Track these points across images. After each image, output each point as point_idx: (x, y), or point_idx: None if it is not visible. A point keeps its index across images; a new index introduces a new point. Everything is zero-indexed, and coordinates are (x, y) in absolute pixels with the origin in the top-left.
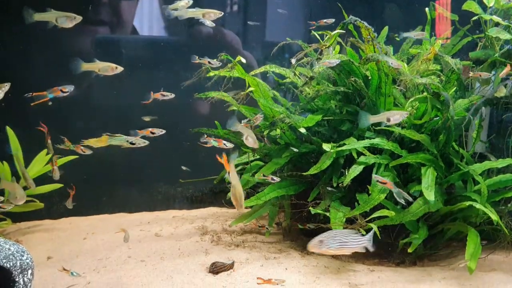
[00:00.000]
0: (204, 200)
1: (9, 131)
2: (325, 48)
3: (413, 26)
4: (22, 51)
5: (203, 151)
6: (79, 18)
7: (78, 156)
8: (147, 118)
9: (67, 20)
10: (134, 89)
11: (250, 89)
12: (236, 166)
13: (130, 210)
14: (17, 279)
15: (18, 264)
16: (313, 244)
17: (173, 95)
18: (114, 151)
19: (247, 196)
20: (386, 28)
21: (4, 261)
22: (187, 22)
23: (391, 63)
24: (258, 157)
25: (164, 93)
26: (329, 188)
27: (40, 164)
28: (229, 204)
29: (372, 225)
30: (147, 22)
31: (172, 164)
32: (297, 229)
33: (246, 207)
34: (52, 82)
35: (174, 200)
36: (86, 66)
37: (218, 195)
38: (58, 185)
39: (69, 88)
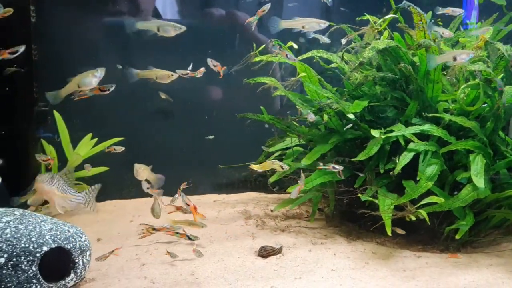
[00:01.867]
0: (243, 185)
1: (57, 115)
2: (377, 32)
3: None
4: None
5: (244, 138)
6: (183, 28)
7: (123, 138)
8: (163, 95)
9: (171, 29)
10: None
11: (302, 74)
12: (275, 151)
13: (172, 193)
14: (77, 260)
15: (78, 245)
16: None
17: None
18: (157, 134)
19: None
20: (430, 13)
21: (65, 242)
22: (200, 5)
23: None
24: (298, 142)
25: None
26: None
27: (85, 147)
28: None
29: (421, 211)
30: (161, 6)
31: (214, 149)
32: (340, 215)
33: (288, 192)
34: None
35: (214, 184)
36: (141, 74)
37: (256, 180)
38: (104, 168)
39: (108, 87)
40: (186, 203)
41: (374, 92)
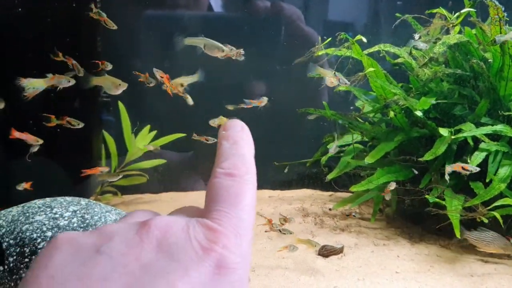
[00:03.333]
0: (298, 182)
1: (121, 106)
2: (452, 26)
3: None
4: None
5: (302, 133)
6: (226, 51)
7: (185, 134)
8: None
9: (215, 50)
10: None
11: (370, 69)
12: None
13: None
14: None
15: None
16: None
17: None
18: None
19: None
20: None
21: None
22: None
23: None
24: (360, 139)
25: None
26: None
27: (144, 140)
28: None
29: (495, 213)
30: None
31: (271, 144)
32: (402, 216)
33: (353, 190)
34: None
35: (268, 180)
36: (189, 41)
37: (312, 177)
38: (162, 161)
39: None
40: None
41: (441, 89)
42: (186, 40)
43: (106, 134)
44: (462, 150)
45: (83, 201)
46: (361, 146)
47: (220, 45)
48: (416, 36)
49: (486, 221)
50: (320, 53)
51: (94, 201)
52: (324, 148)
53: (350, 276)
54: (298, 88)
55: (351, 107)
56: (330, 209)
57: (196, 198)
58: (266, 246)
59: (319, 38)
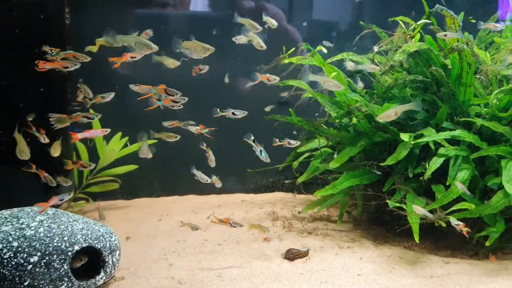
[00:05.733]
0: (270, 186)
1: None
2: (410, 37)
3: (492, 11)
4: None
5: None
6: (212, 49)
7: (156, 141)
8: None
9: (202, 51)
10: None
11: (332, 75)
12: (303, 152)
13: (200, 192)
14: (107, 259)
15: (108, 245)
16: None
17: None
18: (187, 134)
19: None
20: (461, 14)
21: (95, 242)
22: None
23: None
24: (326, 144)
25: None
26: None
27: (116, 146)
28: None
29: (451, 217)
30: None
31: (241, 151)
32: (368, 218)
33: (319, 195)
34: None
35: (241, 184)
36: (120, 39)
37: (284, 181)
38: (133, 167)
39: (174, 92)
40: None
41: (404, 95)
42: (118, 38)
43: (77, 142)
44: (425, 153)
45: (50, 211)
46: (330, 150)
47: (149, 43)
48: (375, 48)
49: (444, 225)
50: (286, 61)
51: (62, 211)
52: (295, 153)
53: (313, 279)
54: (271, 93)
55: (316, 114)
56: (299, 212)
57: (166, 203)
58: (234, 251)
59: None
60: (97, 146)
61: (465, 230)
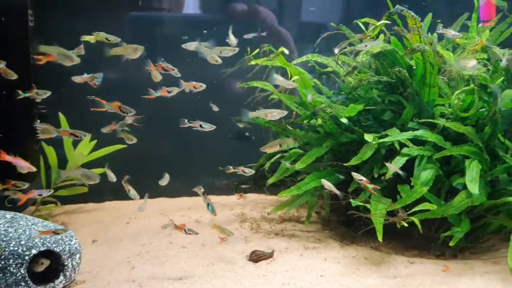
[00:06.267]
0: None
1: (61, 117)
2: (370, 38)
3: (460, 13)
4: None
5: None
6: (141, 48)
7: (125, 146)
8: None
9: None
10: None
11: (294, 78)
12: (275, 153)
13: (171, 195)
14: (66, 263)
15: (67, 248)
16: None
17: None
18: (156, 138)
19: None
20: (430, 15)
21: (54, 245)
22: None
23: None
24: (297, 145)
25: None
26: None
27: (84, 149)
28: (270, 191)
29: (413, 218)
30: None
31: (212, 152)
32: (336, 219)
33: (285, 196)
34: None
35: (213, 186)
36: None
37: (256, 182)
38: (102, 170)
39: (128, 110)
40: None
41: (371, 96)
42: (41, 48)
43: (45, 146)
44: (392, 154)
45: (8, 215)
46: (300, 151)
47: (72, 55)
48: (336, 50)
49: (406, 225)
50: (253, 63)
51: (21, 214)
52: (268, 154)
53: (276, 281)
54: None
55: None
56: (268, 214)
57: (136, 206)
58: (198, 254)
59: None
60: (65, 149)
61: (370, 187)
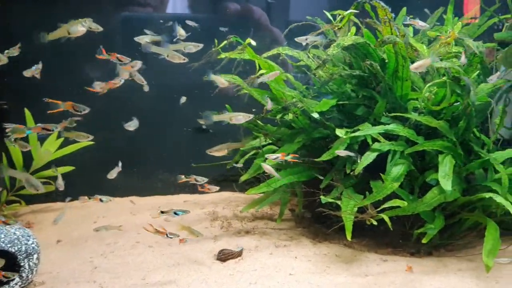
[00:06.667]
0: (216, 185)
1: (27, 114)
2: (338, 29)
3: (436, 6)
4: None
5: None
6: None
7: (93, 143)
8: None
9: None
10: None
11: (261, 71)
12: (249, 150)
13: (143, 194)
14: (22, 264)
15: (23, 248)
16: None
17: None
18: (130, 136)
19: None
20: (404, 9)
21: (9, 245)
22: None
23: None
24: (270, 141)
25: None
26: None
27: (51, 146)
28: (241, 189)
29: (383, 215)
30: None
31: (184, 150)
32: (310, 216)
33: (258, 193)
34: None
35: (186, 184)
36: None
37: (230, 179)
38: (69, 168)
39: (82, 108)
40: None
41: (344, 90)
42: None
43: (8, 143)
44: (365, 149)
45: None
46: (275, 147)
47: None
48: (304, 40)
49: (375, 223)
50: (223, 56)
51: None
52: (243, 151)
53: (242, 281)
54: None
55: (253, 109)
56: (241, 212)
57: (105, 205)
58: (164, 253)
59: None
60: (31, 146)
61: (289, 158)
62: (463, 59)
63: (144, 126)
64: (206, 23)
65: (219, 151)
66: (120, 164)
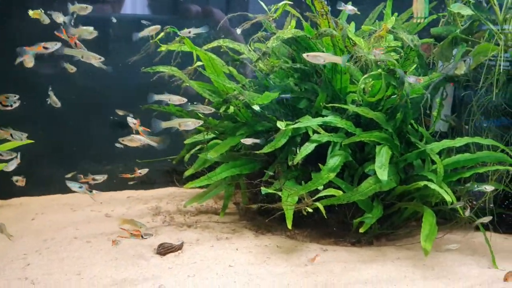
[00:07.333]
0: (161, 180)
1: None
2: (271, 20)
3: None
4: None
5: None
6: None
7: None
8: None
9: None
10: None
11: (198, 63)
12: (194, 144)
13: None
14: None
15: None
16: None
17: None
18: (69, 131)
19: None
20: (349, 3)
21: None
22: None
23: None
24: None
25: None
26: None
27: None
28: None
29: (318, 204)
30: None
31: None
32: (254, 209)
33: (201, 187)
34: None
35: (131, 180)
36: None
37: (175, 174)
38: (3, 165)
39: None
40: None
41: (286, 83)
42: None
43: None
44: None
45: None
46: (220, 141)
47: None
48: (238, 30)
49: (311, 210)
50: (163, 49)
51: None
52: (189, 146)
53: (181, 274)
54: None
55: (195, 102)
56: (185, 206)
57: (45, 201)
58: (102, 248)
59: None
60: None
61: (140, 130)
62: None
63: (86, 119)
64: (166, 24)
65: (131, 141)
66: (18, 155)
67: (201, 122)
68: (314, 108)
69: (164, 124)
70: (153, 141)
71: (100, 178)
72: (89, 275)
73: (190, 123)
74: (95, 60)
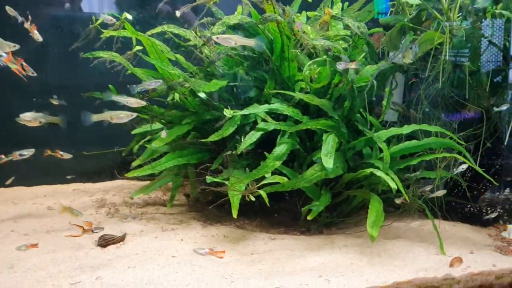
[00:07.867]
0: (109, 173)
1: None
2: (212, 3)
3: None
4: None
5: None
6: None
7: None
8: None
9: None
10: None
11: (137, 48)
12: (143, 135)
13: (30, 183)
14: None
15: None
16: None
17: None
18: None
19: None
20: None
21: None
22: None
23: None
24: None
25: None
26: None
27: None
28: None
29: (261, 192)
30: None
31: (76, 136)
32: (204, 199)
33: (141, 176)
34: None
35: (77, 172)
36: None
37: (124, 167)
38: None
39: None
40: None
41: (234, 72)
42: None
43: None
44: None
45: None
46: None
47: None
48: (178, 13)
49: (253, 199)
50: (106, 35)
51: None
52: (139, 137)
53: (121, 265)
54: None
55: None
56: (131, 198)
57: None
58: (40, 241)
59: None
60: None
61: None
62: None
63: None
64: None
65: (32, 121)
66: None
67: (135, 115)
68: (263, 97)
69: (95, 117)
70: (54, 121)
71: (27, 153)
72: (24, 267)
73: (124, 116)
74: (10, 48)
